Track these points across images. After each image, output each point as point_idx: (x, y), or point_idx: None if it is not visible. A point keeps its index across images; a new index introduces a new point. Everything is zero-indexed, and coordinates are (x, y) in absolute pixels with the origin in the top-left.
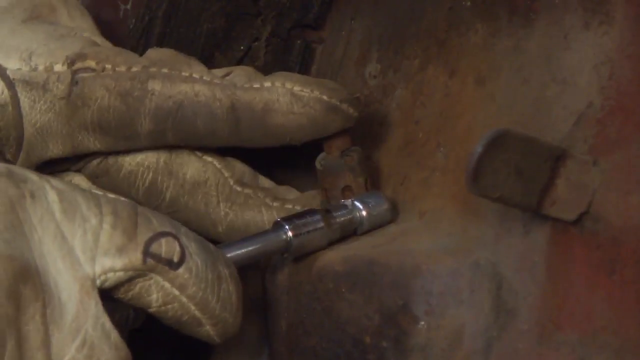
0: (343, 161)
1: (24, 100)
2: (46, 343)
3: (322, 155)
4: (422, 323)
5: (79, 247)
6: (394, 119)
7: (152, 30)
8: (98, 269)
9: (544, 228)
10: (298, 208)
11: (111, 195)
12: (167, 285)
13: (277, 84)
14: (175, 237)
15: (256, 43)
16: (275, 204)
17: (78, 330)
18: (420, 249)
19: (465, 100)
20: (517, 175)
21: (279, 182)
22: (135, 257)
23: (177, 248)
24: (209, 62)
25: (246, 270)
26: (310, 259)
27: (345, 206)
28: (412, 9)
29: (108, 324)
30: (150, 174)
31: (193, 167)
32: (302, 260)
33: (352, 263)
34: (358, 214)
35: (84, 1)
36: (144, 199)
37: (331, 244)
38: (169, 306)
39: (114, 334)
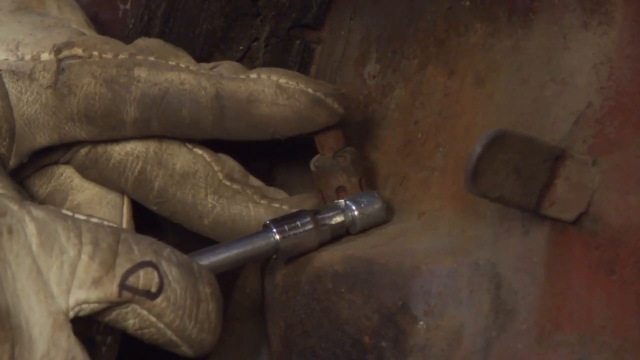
0: (336, 162)
1: (12, 92)
2: None
3: (316, 157)
4: (421, 323)
5: (54, 280)
6: (393, 119)
7: (151, 30)
8: (72, 302)
9: (543, 228)
10: (286, 208)
11: (95, 221)
12: (144, 312)
13: (263, 75)
14: (155, 267)
15: (255, 43)
16: (263, 201)
17: None
18: (420, 249)
19: (465, 100)
20: (516, 175)
21: (278, 185)
22: (110, 290)
23: (156, 279)
24: (208, 62)
25: (240, 271)
26: (309, 259)
27: (336, 206)
28: (411, 9)
29: (80, 357)
30: (140, 163)
31: (183, 158)
32: (301, 260)
33: (351, 263)
34: (350, 214)
35: (84, 1)
36: (132, 189)
37: (322, 244)
38: (146, 330)
39: None
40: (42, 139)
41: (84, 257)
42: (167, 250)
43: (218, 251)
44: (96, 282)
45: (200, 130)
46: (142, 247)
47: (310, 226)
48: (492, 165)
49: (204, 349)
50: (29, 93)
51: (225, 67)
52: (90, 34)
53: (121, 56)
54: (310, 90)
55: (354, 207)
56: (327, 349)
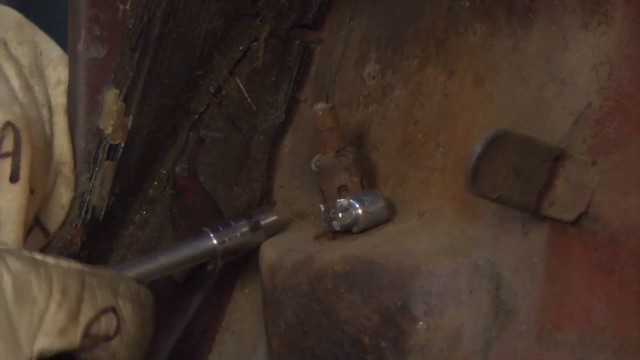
0: (338, 161)
1: None
2: None
3: (317, 156)
4: (421, 323)
5: (23, 329)
6: (392, 119)
7: (151, 31)
8: (36, 349)
9: (543, 228)
10: None
11: (63, 264)
12: (100, 353)
13: None
14: (114, 311)
15: (255, 43)
16: None
17: None
18: (419, 249)
19: (464, 101)
20: (516, 176)
21: (278, 185)
22: (74, 339)
23: (114, 323)
24: (208, 63)
25: (240, 271)
26: (309, 259)
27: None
28: (410, 9)
29: None
30: None
31: None
32: (301, 260)
33: (351, 263)
34: (354, 212)
35: (83, 1)
36: None
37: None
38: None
39: None
40: None
41: (53, 306)
42: (123, 285)
43: (157, 257)
44: (62, 332)
45: None
46: (104, 292)
47: (245, 228)
48: (491, 165)
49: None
50: None
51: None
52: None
53: None
54: None
55: (357, 206)
56: (327, 349)
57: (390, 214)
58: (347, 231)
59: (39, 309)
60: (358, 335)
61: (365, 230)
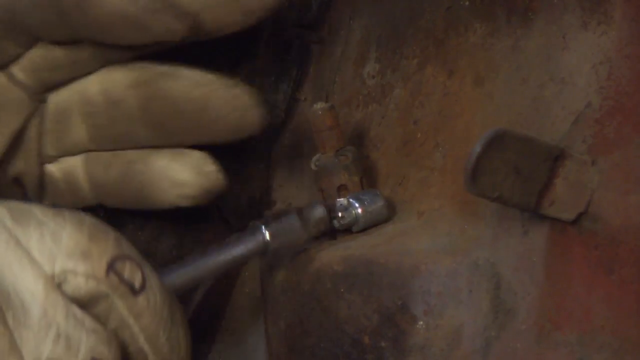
0: (337, 160)
1: None
2: (14, 346)
3: (316, 156)
4: (421, 323)
5: (36, 248)
6: (392, 118)
7: None
8: (58, 269)
9: (543, 228)
10: None
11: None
12: (124, 312)
13: None
14: (140, 266)
15: (255, 43)
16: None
17: (49, 325)
18: (419, 249)
19: (464, 100)
20: (515, 175)
21: (277, 185)
22: (99, 265)
23: (140, 275)
24: (208, 62)
25: (240, 271)
26: (309, 259)
27: (318, 203)
28: (410, 9)
29: (79, 312)
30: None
31: None
32: (301, 260)
33: (351, 263)
34: (353, 212)
35: None
36: None
37: (310, 242)
38: (119, 332)
39: (88, 320)
40: None
41: (69, 228)
42: (149, 265)
43: (212, 255)
44: (85, 254)
45: (55, 29)
46: (129, 245)
47: (297, 223)
48: (491, 165)
49: None
50: None
51: None
52: None
53: None
54: None
55: (357, 205)
56: (327, 349)
57: (389, 214)
58: (346, 230)
59: (51, 230)
60: (358, 334)
61: (365, 229)
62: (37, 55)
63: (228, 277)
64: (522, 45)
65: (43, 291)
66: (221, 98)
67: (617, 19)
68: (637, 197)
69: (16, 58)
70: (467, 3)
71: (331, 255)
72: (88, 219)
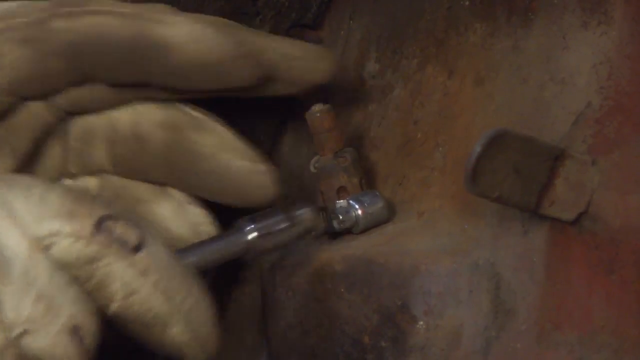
0: (336, 162)
1: None
2: None
3: (316, 157)
4: (421, 323)
5: (21, 209)
6: (392, 118)
7: None
8: (44, 230)
9: (543, 228)
10: None
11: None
12: (128, 272)
13: (190, 20)
14: (135, 226)
15: None
16: None
17: (30, 284)
18: (419, 249)
19: (464, 100)
20: (515, 175)
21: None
22: (87, 223)
23: (135, 234)
24: None
25: (239, 271)
26: (309, 259)
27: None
28: (410, 9)
29: (66, 278)
30: None
31: None
32: (301, 260)
33: (351, 263)
34: (354, 214)
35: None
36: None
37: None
38: (133, 298)
39: (74, 288)
40: None
41: (57, 190)
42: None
43: (191, 252)
44: (70, 214)
45: (123, 73)
46: (124, 210)
47: (283, 224)
48: (491, 165)
49: (204, 345)
50: None
51: (149, 9)
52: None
53: (35, 15)
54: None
55: (357, 207)
56: (327, 349)
57: (390, 215)
58: (347, 232)
59: (37, 192)
60: (358, 334)
61: (365, 231)
62: (83, 90)
63: (228, 277)
64: (522, 46)
65: (26, 250)
66: (242, 169)
67: (617, 19)
68: (638, 197)
69: (61, 92)
70: (467, 3)
71: (331, 255)
72: (74, 187)
